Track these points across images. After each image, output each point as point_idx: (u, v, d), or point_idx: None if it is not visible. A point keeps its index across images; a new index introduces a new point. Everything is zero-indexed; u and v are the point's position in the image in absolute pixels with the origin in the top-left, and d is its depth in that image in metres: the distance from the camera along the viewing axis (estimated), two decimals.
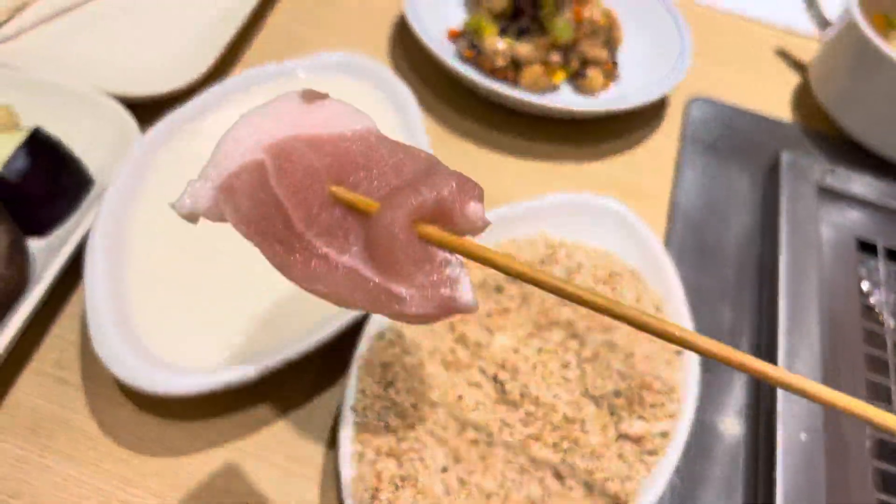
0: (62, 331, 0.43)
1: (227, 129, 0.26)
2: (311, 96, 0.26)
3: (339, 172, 0.25)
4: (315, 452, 0.40)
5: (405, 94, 0.51)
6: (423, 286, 0.23)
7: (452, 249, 0.24)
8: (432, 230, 0.24)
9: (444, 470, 0.35)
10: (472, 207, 0.24)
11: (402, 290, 0.23)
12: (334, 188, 0.24)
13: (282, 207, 0.24)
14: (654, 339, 0.42)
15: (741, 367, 0.23)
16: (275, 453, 0.40)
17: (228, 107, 0.49)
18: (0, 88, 0.50)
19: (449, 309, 0.23)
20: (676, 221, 0.56)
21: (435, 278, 0.23)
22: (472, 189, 0.24)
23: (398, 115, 0.50)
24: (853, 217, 0.56)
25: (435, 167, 0.25)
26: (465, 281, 0.24)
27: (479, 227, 0.24)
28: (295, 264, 0.24)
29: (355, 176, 0.25)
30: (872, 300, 0.52)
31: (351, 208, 0.24)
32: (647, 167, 0.60)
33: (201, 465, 0.39)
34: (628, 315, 0.24)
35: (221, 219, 0.25)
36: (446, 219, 0.24)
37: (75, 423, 0.40)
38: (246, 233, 0.25)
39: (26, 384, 0.41)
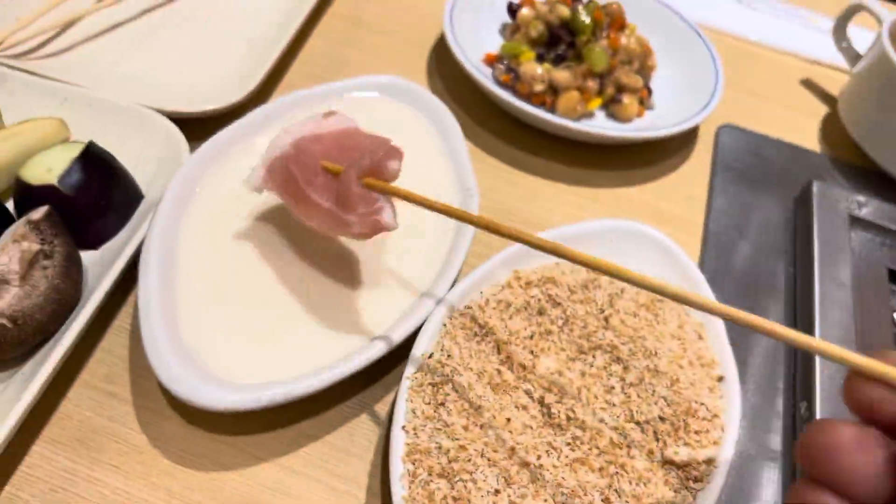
0: (110, 345, 0.44)
1: (275, 136, 0.42)
2: (327, 114, 0.42)
3: (329, 154, 0.39)
4: (360, 471, 0.41)
5: (450, 121, 0.52)
6: (362, 215, 0.36)
7: (381, 190, 0.37)
8: (370, 180, 0.37)
9: (497, 492, 0.35)
10: (391, 164, 0.38)
11: (350, 218, 0.37)
12: (324, 163, 0.39)
13: (294, 177, 0.39)
14: (698, 365, 0.43)
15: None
16: (320, 471, 0.41)
17: (276, 126, 0.50)
18: (50, 102, 0.51)
19: (377, 228, 0.37)
20: (709, 247, 0.57)
21: (370, 210, 0.36)
22: (394, 153, 0.38)
23: (443, 141, 0.51)
24: (885, 248, 0.57)
25: (382, 143, 0.39)
26: (388, 210, 0.37)
27: (394, 175, 0.38)
28: (301, 209, 0.39)
29: (339, 155, 0.39)
30: None
31: (333, 174, 0.38)
32: (679, 193, 0.60)
33: (247, 480, 0.40)
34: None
35: (270, 189, 0.41)
36: (378, 172, 0.38)
37: (124, 436, 0.40)
38: (278, 194, 0.41)
39: (76, 397, 0.41)
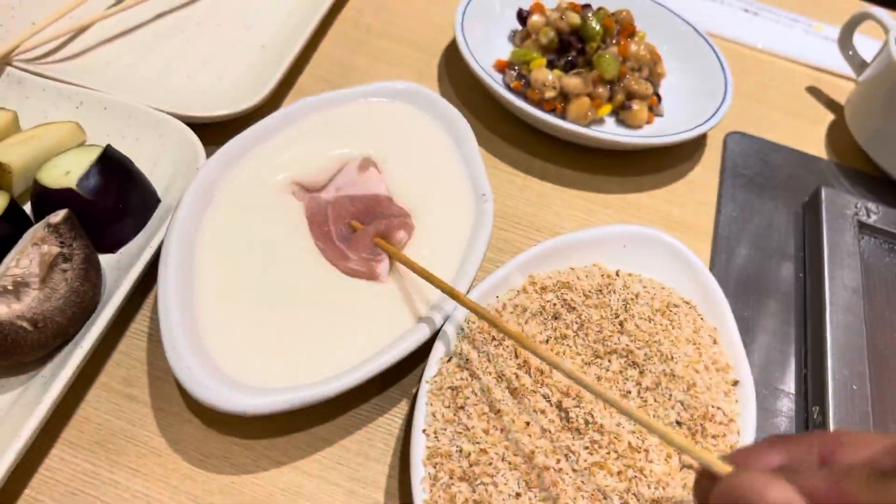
0: (128, 348, 0.44)
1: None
2: (363, 166, 0.51)
3: (358, 215, 0.48)
4: (379, 474, 0.41)
5: (464, 126, 0.52)
6: (361, 259, 0.45)
7: (387, 250, 0.45)
8: (381, 241, 0.45)
9: (518, 496, 0.35)
10: (399, 233, 0.46)
11: (352, 255, 0.45)
12: (351, 221, 0.48)
13: (327, 220, 0.47)
14: (713, 369, 0.43)
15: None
16: (338, 474, 0.41)
17: (291, 130, 0.50)
18: (66, 105, 0.51)
19: (371, 272, 0.45)
20: (719, 252, 0.57)
21: (371, 257, 0.45)
22: (403, 226, 0.46)
23: (456, 147, 0.52)
24: (894, 253, 0.57)
25: (401, 215, 0.47)
26: (384, 265, 0.45)
27: (399, 244, 0.46)
28: (317, 232, 0.47)
29: (365, 217, 0.48)
30: None
31: (354, 228, 0.47)
32: (689, 199, 0.61)
33: (265, 483, 0.40)
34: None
35: (305, 205, 0.49)
36: (389, 236, 0.46)
37: (143, 439, 0.40)
38: (307, 213, 0.48)
39: (95, 399, 0.41)
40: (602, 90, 0.61)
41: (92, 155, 0.45)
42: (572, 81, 0.60)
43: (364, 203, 0.48)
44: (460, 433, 0.37)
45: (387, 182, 0.50)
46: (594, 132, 0.58)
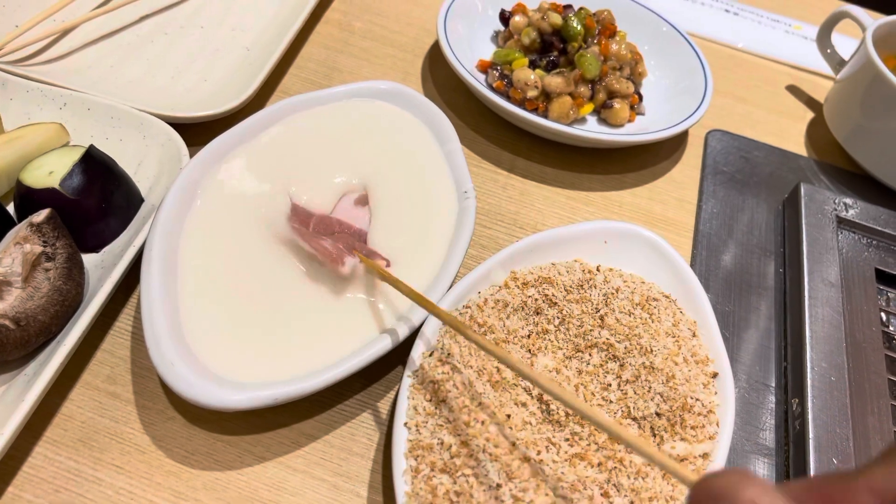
0: (112, 346, 0.44)
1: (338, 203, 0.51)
2: (360, 201, 0.50)
3: (334, 235, 0.47)
4: (362, 468, 0.41)
5: (447, 125, 0.53)
6: (335, 247, 0.44)
7: (361, 259, 0.44)
8: (358, 252, 0.45)
9: (498, 486, 0.36)
10: (378, 260, 0.45)
11: (328, 240, 0.45)
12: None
13: (308, 220, 0.47)
14: (692, 362, 0.43)
15: None
16: (322, 469, 0.41)
17: (274, 130, 0.51)
18: (50, 106, 0.51)
19: (339, 258, 0.44)
20: (700, 248, 0.58)
21: (344, 249, 0.44)
22: (378, 257, 0.45)
23: (439, 145, 0.52)
24: (871, 248, 0.58)
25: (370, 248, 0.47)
26: (353, 260, 0.44)
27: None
28: (298, 232, 0.46)
29: (340, 238, 0.47)
30: (892, 328, 0.54)
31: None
32: (670, 196, 0.62)
33: (250, 479, 0.40)
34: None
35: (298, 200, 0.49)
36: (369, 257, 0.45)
37: (127, 437, 0.40)
38: (292, 223, 0.47)
39: (78, 398, 0.41)
40: (584, 89, 0.61)
41: (75, 155, 0.45)
42: (554, 81, 0.60)
43: (349, 231, 0.48)
44: (441, 426, 0.38)
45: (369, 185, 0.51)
46: (576, 131, 0.59)
